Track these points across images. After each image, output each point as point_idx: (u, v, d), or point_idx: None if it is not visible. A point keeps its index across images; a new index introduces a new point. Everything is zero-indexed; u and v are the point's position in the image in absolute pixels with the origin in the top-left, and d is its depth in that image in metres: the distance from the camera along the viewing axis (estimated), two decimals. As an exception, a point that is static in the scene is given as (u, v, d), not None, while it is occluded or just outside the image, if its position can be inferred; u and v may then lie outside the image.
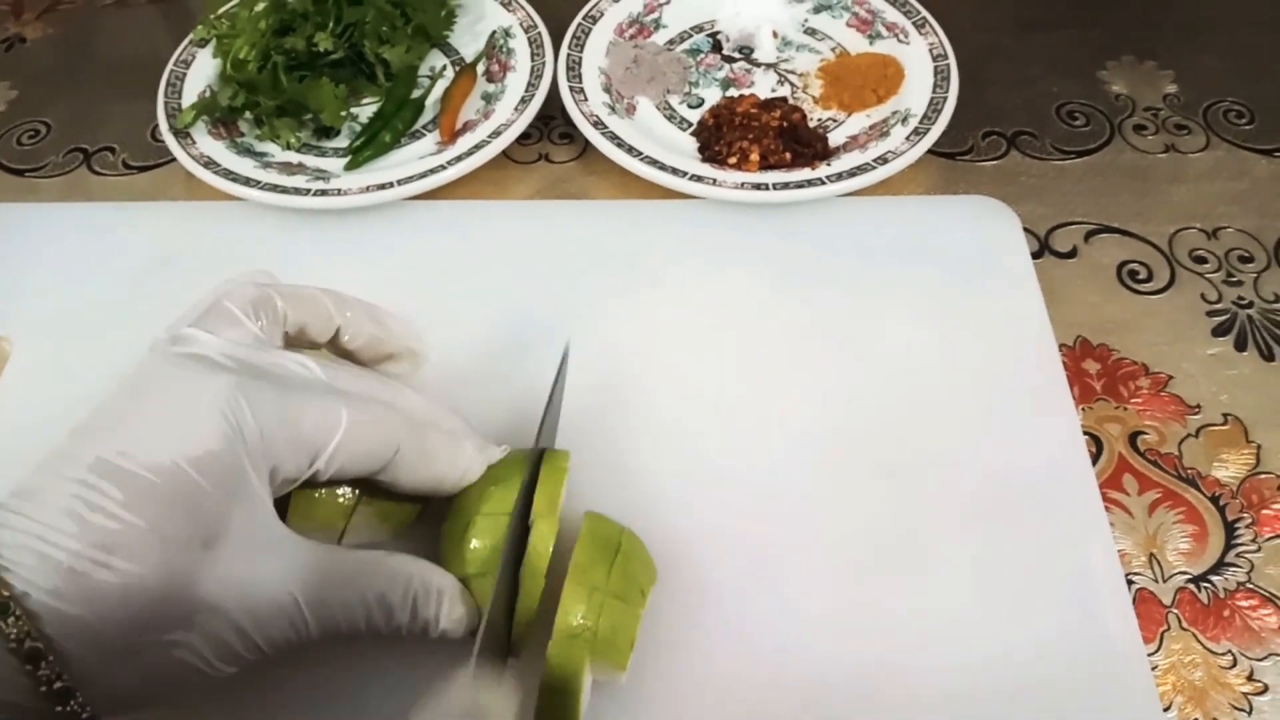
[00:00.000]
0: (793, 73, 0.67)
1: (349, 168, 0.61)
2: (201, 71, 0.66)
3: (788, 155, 0.59)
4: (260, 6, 0.65)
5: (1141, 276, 0.57)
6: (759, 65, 0.67)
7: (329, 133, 0.64)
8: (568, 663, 0.37)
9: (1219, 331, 0.54)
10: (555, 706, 0.37)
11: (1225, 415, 0.51)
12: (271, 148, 0.63)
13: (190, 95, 0.64)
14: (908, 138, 0.59)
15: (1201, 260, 0.57)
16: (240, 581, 0.34)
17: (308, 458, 0.37)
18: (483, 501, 0.40)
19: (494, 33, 0.69)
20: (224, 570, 0.34)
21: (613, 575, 0.38)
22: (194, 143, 0.61)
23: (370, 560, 0.38)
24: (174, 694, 0.34)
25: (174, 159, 0.61)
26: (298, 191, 0.58)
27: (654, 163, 0.58)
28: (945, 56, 0.64)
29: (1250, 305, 0.55)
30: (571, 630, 0.37)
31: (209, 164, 0.60)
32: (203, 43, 0.67)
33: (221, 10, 0.66)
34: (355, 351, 0.42)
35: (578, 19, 0.68)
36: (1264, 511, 0.47)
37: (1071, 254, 0.58)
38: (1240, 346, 0.53)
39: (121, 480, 0.32)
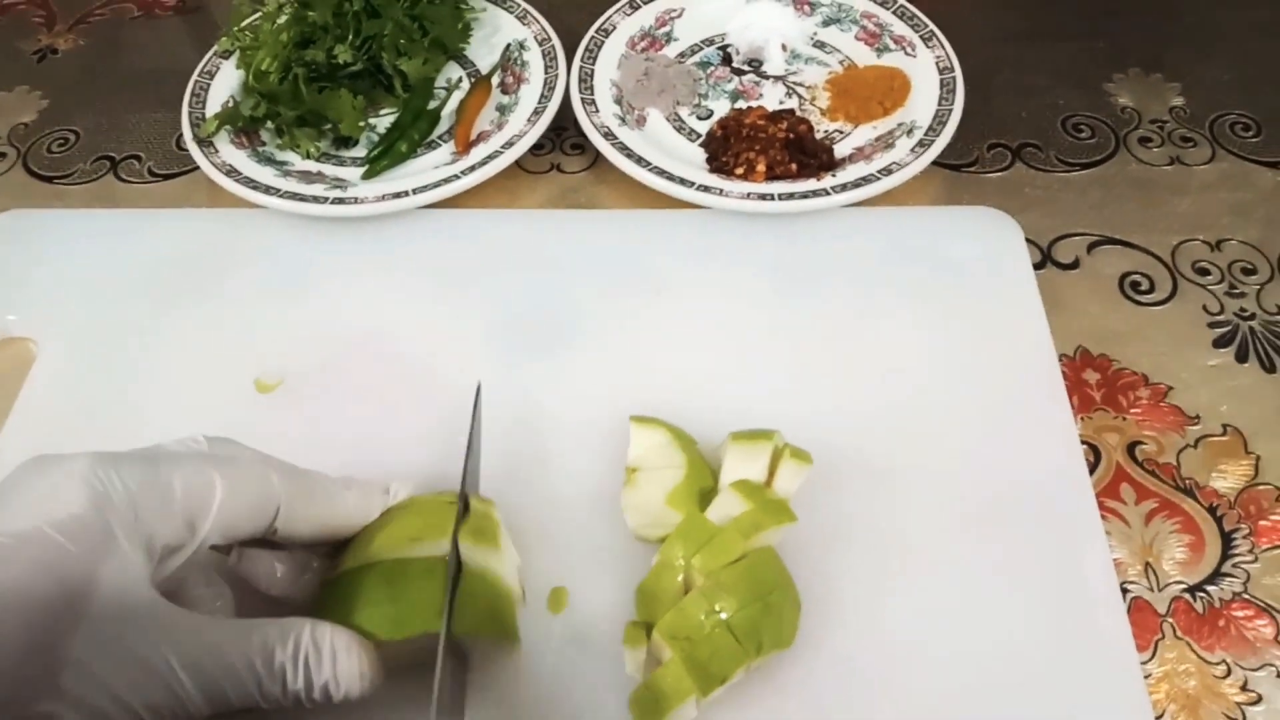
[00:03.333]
0: (801, 85, 0.68)
1: (366, 176, 0.63)
2: (225, 82, 0.68)
3: (794, 166, 0.60)
4: (282, 19, 0.67)
5: (1143, 288, 0.57)
6: (768, 78, 0.68)
7: (347, 142, 0.66)
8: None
9: (1220, 343, 0.55)
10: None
11: (1225, 426, 0.51)
12: (291, 157, 0.65)
13: (214, 105, 0.66)
14: (913, 149, 0.60)
15: (1204, 272, 0.58)
16: (108, 641, 0.33)
17: (185, 523, 0.37)
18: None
19: (509, 45, 0.70)
20: (90, 629, 0.32)
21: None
22: (217, 151, 0.63)
23: (252, 623, 0.37)
24: None
25: (197, 167, 0.63)
26: (316, 200, 0.60)
27: (662, 173, 0.60)
28: (951, 70, 0.65)
29: (1253, 317, 0.56)
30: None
31: (231, 172, 0.62)
32: (226, 54, 0.69)
33: (245, 23, 0.68)
34: (291, 539, 0.41)
35: (590, 32, 0.69)
36: (1262, 522, 0.48)
37: (1074, 265, 0.59)
38: (1241, 358, 0.54)
39: None
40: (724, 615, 0.40)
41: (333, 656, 0.37)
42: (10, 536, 0.33)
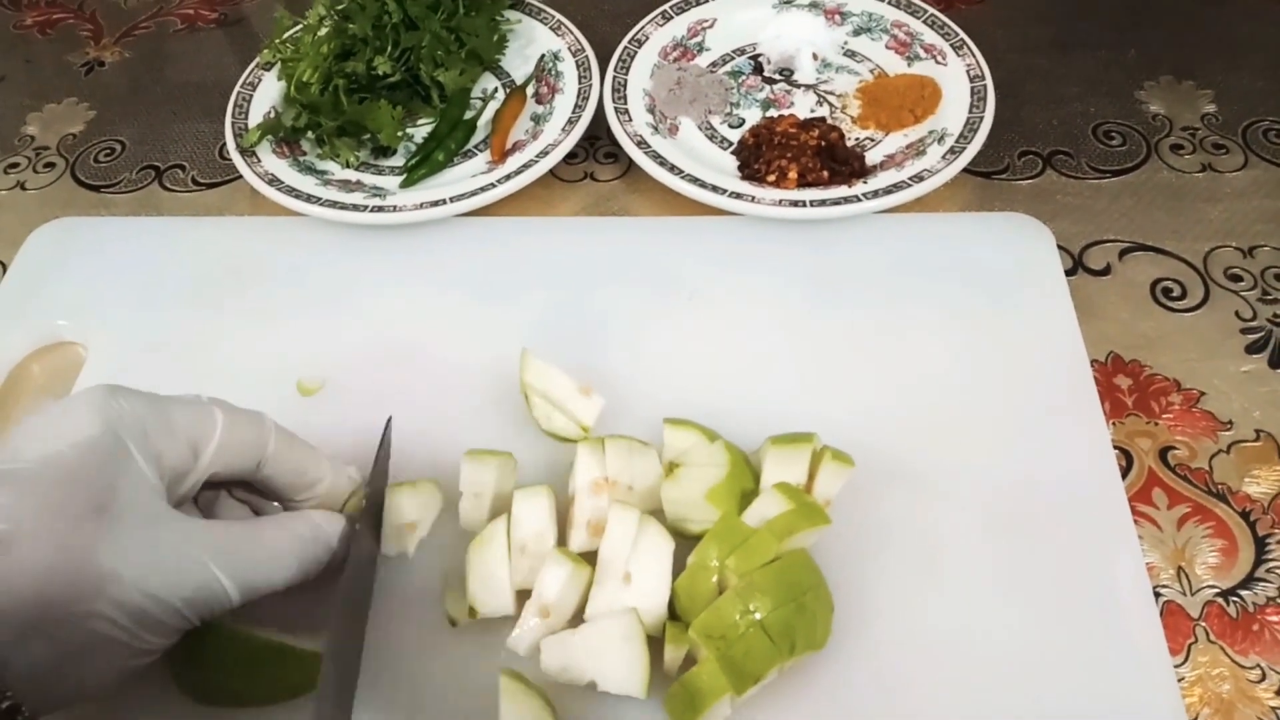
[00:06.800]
0: (832, 93, 0.68)
1: (404, 185, 0.64)
2: (267, 93, 0.70)
3: (825, 173, 0.61)
4: (323, 32, 0.68)
5: (1175, 294, 0.57)
6: (799, 86, 0.69)
7: (386, 152, 0.67)
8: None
9: (1253, 349, 0.55)
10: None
11: (1258, 432, 0.51)
12: (332, 166, 0.66)
13: (256, 116, 0.68)
14: (944, 156, 0.60)
15: (1236, 278, 0.58)
16: (140, 546, 0.36)
17: (189, 448, 0.40)
18: None
19: (543, 56, 0.71)
20: (121, 537, 0.36)
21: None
22: (259, 161, 0.65)
23: (262, 520, 0.43)
24: (105, 673, 0.36)
25: (240, 176, 0.65)
26: (356, 208, 0.61)
27: (695, 180, 0.60)
28: (982, 78, 0.65)
29: (1285, 323, 0.56)
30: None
31: (273, 181, 0.63)
32: (268, 66, 0.71)
33: (286, 35, 0.70)
34: (273, 482, 0.45)
35: (624, 43, 0.70)
36: (1296, 527, 0.48)
37: (1105, 271, 0.59)
38: (1274, 364, 0.54)
39: (9, 480, 0.35)
40: (758, 615, 0.41)
41: (326, 525, 0.43)
42: (34, 461, 0.36)
